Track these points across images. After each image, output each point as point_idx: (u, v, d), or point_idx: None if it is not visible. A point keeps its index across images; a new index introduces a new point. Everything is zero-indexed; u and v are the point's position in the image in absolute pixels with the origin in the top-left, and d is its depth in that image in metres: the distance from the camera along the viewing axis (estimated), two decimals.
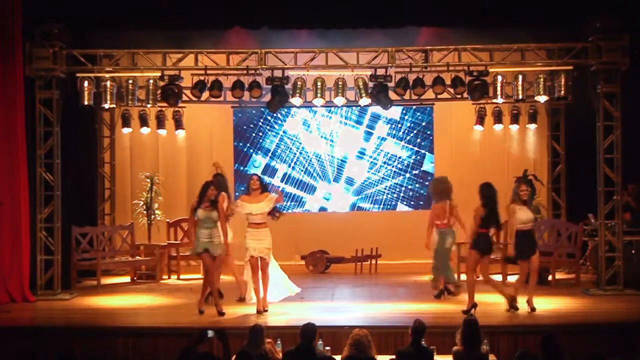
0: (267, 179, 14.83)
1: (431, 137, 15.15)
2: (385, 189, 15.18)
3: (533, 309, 10.19)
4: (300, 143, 15.25)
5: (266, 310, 10.33)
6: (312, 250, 14.40)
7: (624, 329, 9.16)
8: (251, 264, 10.40)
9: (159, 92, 12.48)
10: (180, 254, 13.69)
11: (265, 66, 12.09)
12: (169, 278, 13.58)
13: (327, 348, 8.12)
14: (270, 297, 10.55)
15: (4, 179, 11.39)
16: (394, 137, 15.20)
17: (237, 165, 15.18)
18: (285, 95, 12.25)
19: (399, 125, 15.16)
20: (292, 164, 15.25)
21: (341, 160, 15.25)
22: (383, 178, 15.19)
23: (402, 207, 15.15)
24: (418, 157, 15.17)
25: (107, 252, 13.44)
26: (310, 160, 15.26)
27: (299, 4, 11.80)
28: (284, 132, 15.24)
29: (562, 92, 12.33)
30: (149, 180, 14.17)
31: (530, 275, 10.35)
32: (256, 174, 10.96)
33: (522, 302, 10.33)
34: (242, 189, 14.90)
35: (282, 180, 15.13)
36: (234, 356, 7.04)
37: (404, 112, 15.16)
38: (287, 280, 10.85)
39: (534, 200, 13.74)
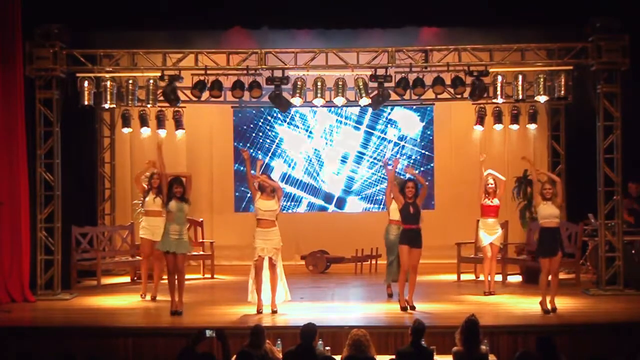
0: None
1: (431, 137, 15.16)
2: (385, 189, 15.15)
3: (553, 310, 10.15)
4: (300, 143, 15.25)
5: (275, 312, 10.27)
6: (312, 250, 14.40)
7: (619, 329, 9.21)
8: (257, 264, 10.34)
9: (159, 92, 12.48)
10: None
11: (265, 66, 12.09)
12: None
13: (327, 348, 8.12)
14: (266, 299, 10.50)
15: (4, 179, 11.39)
16: (394, 137, 15.20)
17: (237, 165, 15.18)
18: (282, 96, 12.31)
19: (399, 125, 15.16)
20: (292, 164, 15.26)
21: (341, 160, 15.26)
22: (383, 178, 15.17)
23: None
24: (418, 157, 15.17)
25: (107, 252, 13.44)
26: (310, 160, 15.26)
27: (299, 4, 11.79)
28: (284, 132, 15.24)
29: (562, 92, 12.32)
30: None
31: (551, 276, 10.27)
32: (265, 174, 10.84)
33: (534, 303, 10.41)
34: (243, 189, 14.96)
35: (282, 180, 15.13)
36: (234, 356, 7.05)
37: (404, 112, 15.16)
38: (285, 285, 10.73)
39: (534, 200, 13.77)
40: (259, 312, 10.25)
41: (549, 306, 10.17)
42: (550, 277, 10.22)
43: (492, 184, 11.77)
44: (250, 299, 10.54)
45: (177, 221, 10.23)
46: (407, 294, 10.48)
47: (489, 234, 11.73)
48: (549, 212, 10.18)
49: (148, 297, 11.50)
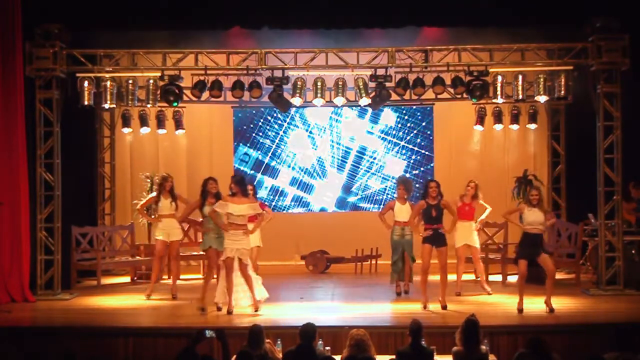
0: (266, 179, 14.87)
1: (431, 137, 15.15)
2: (385, 189, 15.18)
3: (551, 310, 10.17)
4: (300, 143, 15.24)
5: (257, 310, 10.31)
6: (312, 250, 14.40)
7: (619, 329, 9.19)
8: (226, 264, 10.34)
9: (159, 92, 12.48)
10: (180, 254, 13.65)
11: (265, 66, 12.09)
12: (169, 278, 13.55)
13: (327, 348, 8.11)
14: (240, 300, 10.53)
15: (4, 179, 11.39)
16: (394, 137, 15.19)
17: (237, 165, 15.18)
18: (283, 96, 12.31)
19: (399, 125, 15.16)
20: (292, 164, 15.25)
21: (341, 159, 15.25)
22: (383, 178, 15.19)
23: None
24: (418, 157, 15.17)
25: (107, 252, 13.44)
26: (310, 160, 15.25)
27: (299, 4, 11.79)
28: (284, 132, 15.24)
29: (562, 92, 12.36)
30: (149, 180, 14.18)
31: (547, 277, 10.34)
32: (234, 177, 10.69)
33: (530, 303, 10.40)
34: None
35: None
36: (234, 356, 7.05)
37: (404, 112, 15.16)
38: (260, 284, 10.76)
39: None
40: (229, 312, 10.25)
41: (537, 306, 10.27)
42: (544, 279, 10.29)
43: (471, 187, 11.75)
44: (216, 300, 10.50)
45: (212, 222, 10.44)
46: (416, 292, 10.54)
47: (464, 237, 11.70)
48: (533, 219, 10.22)
49: (146, 297, 11.55)
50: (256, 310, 10.28)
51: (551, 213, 10.97)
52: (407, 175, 14.46)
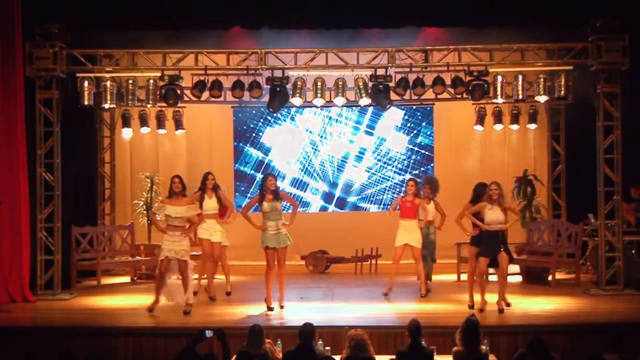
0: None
1: (431, 137, 15.15)
2: (385, 188, 15.18)
3: (500, 311, 10.16)
4: (300, 143, 15.24)
5: (188, 313, 10.25)
6: (312, 250, 14.40)
7: (619, 329, 9.22)
8: (162, 265, 10.33)
9: (159, 92, 12.48)
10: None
11: (265, 66, 12.10)
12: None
13: (327, 348, 8.12)
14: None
15: (4, 179, 11.39)
16: (394, 137, 15.19)
17: (237, 165, 15.18)
18: (285, 95, 12.26)
19: (399, 125, 15.16)
20: (292, 164, 15.25)
21: (341, 160, 15.25)
22: (383, 178, 15.18)
23: None
24: (418, 157, 15.17)
25: (107, 252, 13.45)
26: (311, 160, 15.25)
27: (299, 4, 11.80)
28: (284, 131, 15.23)
29: (562, 92, 12.38)
30: (149, 180, 14.18)
31: (499, 277, 10.45)
32: (178, 176, 10.57)
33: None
34: (242, 188, 14.98)
35: (281, 181, 15.13)
36: (234, 356, 7.05)
37: (404, 112, 15.16)
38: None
39: (534, 201, 13.79)
40: (150, 310, 10.29)
41: (500, 305, 10.27)
42: (496, 278, 10.37)
43: (410, 185, 11.51)
44: (168, 301, 10.52)
45: (271, 218, 10.46)
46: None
47: (406, 236, 11.41)
48: (492, 218, 10.24)
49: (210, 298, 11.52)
50: (187, 312, 10.23)
51: (514, 209, 10.92)
52: (424, 173, 14.52)
